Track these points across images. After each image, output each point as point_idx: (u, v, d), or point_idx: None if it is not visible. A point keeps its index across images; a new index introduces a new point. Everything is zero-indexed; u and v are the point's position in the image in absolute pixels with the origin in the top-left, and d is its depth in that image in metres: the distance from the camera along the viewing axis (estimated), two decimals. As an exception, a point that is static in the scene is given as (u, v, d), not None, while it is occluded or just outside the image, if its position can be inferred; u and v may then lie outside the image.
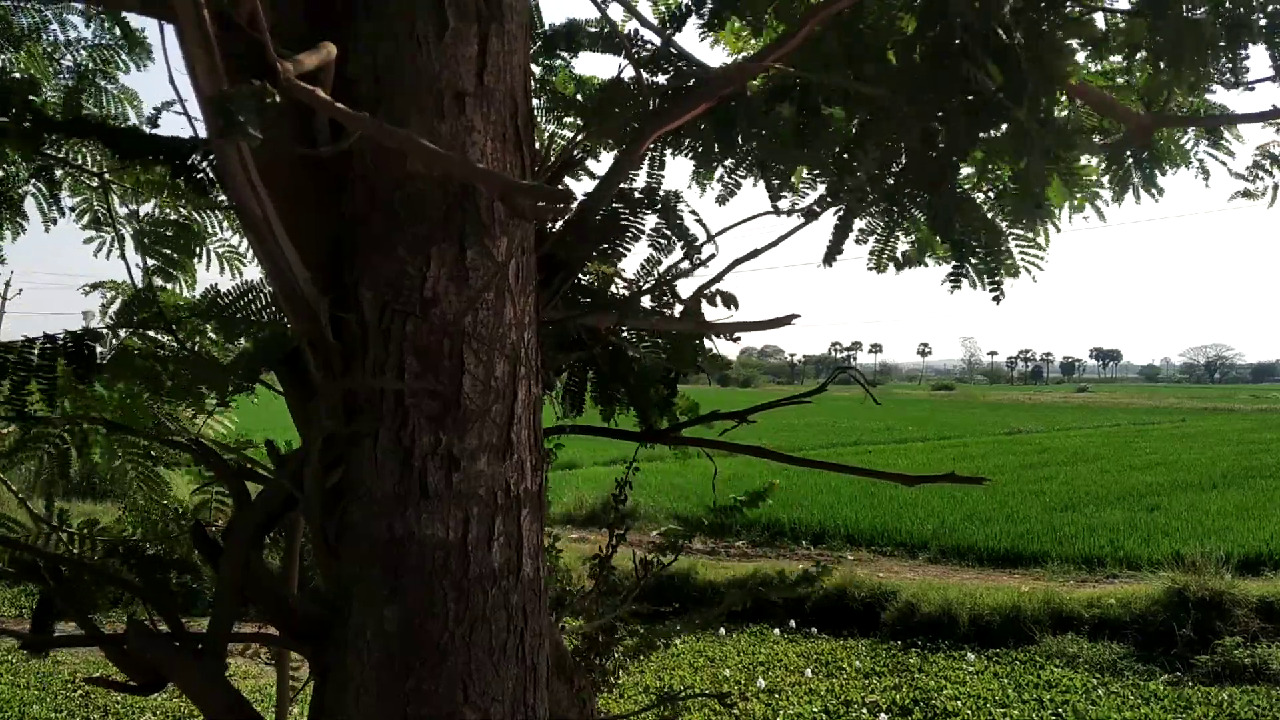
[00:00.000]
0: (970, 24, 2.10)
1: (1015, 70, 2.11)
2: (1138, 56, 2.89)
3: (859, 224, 2.68)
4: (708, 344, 2.79)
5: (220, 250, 3.49)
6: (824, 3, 2.20)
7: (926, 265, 3.00)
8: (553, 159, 2.68)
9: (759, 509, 3.94)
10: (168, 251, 3.32)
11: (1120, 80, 3.14)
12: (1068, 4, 2.46)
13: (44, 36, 3.36)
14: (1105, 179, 3.17)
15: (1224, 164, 3.24)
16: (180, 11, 1.35)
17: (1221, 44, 2.47)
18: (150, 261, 3.29)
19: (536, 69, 2.99)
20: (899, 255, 2.89)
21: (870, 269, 2.91)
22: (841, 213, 2.53)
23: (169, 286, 3.38)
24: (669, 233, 2.50)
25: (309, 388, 2.01)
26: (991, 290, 2.55)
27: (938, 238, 2.59)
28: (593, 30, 2.85)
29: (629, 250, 2.48)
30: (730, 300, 2.30)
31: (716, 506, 3.74)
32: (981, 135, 2.24)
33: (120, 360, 2.50)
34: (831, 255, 2.62)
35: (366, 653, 1.84)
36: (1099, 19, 2.62)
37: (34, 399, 2.48)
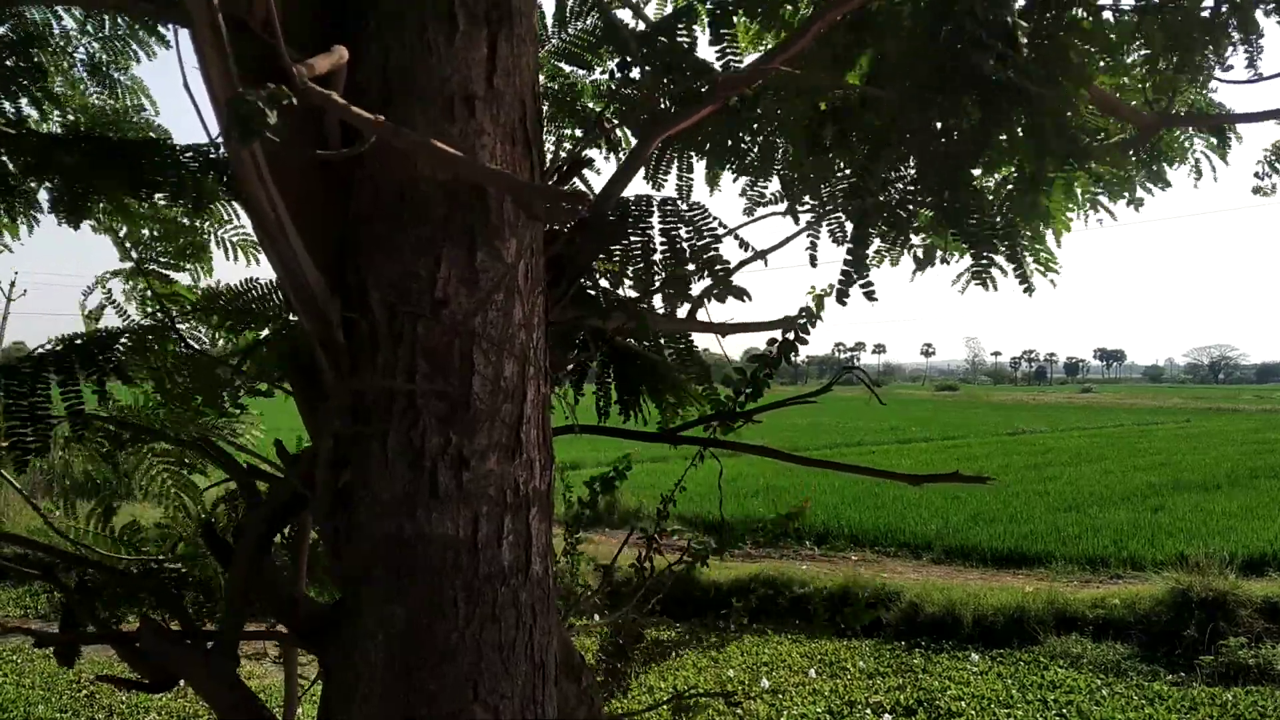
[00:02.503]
0: (980, 15, 2.10)
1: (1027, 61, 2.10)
2: (1142, 52, 2.90)
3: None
4: (716, 348, 2.81)
5: (235, 239, 3.45)
6: (831, 5, 2.20)
7: (948, 264, 3.01)
8: (562, 156, 2.69)
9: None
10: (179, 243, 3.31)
11: (1123, 80, 3.15)
12: (1075, 8, 2.47)
13: (55, 28, 3.35)
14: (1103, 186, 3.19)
15: (1214, 167, 3.29)
16: (195, 16, 1.36)
17: (1232, 33, 2.49)
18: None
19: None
20: (917, 255, 2.90)
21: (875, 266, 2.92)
22: (852, 237, 2.46)
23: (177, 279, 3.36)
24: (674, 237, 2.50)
25: (319, 389, 2.02)
26: (1019, 280, 2.59)
27: (952, 235, 2.59)
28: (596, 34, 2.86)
29: (637, 251, 2.49)
30: (742, 294, 2.30)
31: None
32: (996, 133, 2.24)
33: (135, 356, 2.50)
34: (844, 291, 2.41)
35: (372, 652, 1.84)
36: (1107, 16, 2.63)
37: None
